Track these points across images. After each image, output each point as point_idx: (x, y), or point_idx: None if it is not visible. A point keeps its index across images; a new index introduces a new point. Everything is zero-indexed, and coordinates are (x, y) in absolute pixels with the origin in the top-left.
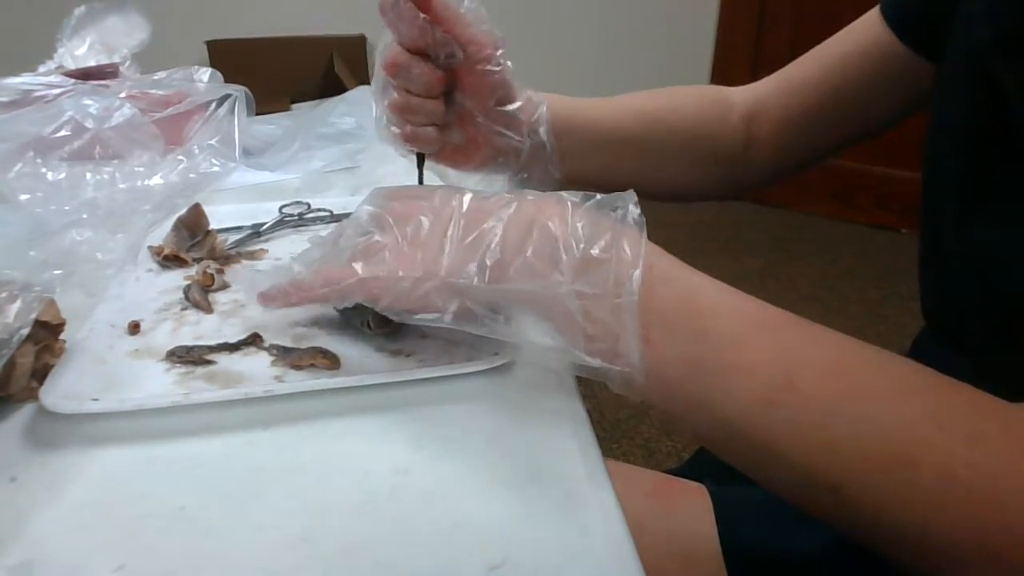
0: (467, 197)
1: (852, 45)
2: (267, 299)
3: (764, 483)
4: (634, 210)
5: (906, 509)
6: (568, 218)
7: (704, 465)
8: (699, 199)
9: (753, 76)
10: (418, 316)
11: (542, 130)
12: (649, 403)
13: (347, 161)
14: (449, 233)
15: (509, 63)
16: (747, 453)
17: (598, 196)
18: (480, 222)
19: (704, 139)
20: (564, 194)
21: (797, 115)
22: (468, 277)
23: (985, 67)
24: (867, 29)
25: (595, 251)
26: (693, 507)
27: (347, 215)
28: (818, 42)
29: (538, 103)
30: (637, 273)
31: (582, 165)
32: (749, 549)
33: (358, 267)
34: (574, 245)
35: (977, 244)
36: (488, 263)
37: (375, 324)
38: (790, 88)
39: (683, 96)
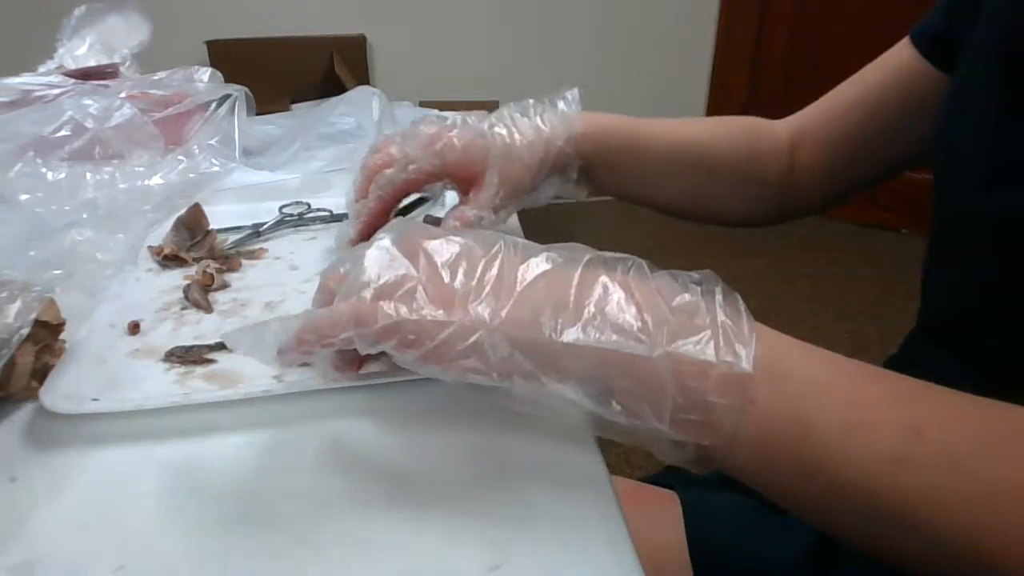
0: (519, 244)
1: (885, 68)
2: (287, 354)
3: (891, 555)
4: (717, 283)
5: None
6: (646, 280)
7: (675, 473)
8: (747, 224)
9: (753, 76)
10: (457, 370)
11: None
12: (733, 474)
13: (347, 161)
14: (503, 278)
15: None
16: (871, 523)
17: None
18: (540, 271)
19: (751, 164)
20: (630, 261)
21: (839, 137)
22: (535, 329)
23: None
24: (899, 53)
25: (689, 315)
26: (663, 514)
27: (347, 215)
28: (817, 43)
29: (557, 134)
30: (752, 339)
31: (628, 183)
32: (718, 557)
33: (388, 306)
34: (663, 306)
35: (1002, 230)
36: (562, 317)
37: None
38: (831, 112)
39: (730, 123)
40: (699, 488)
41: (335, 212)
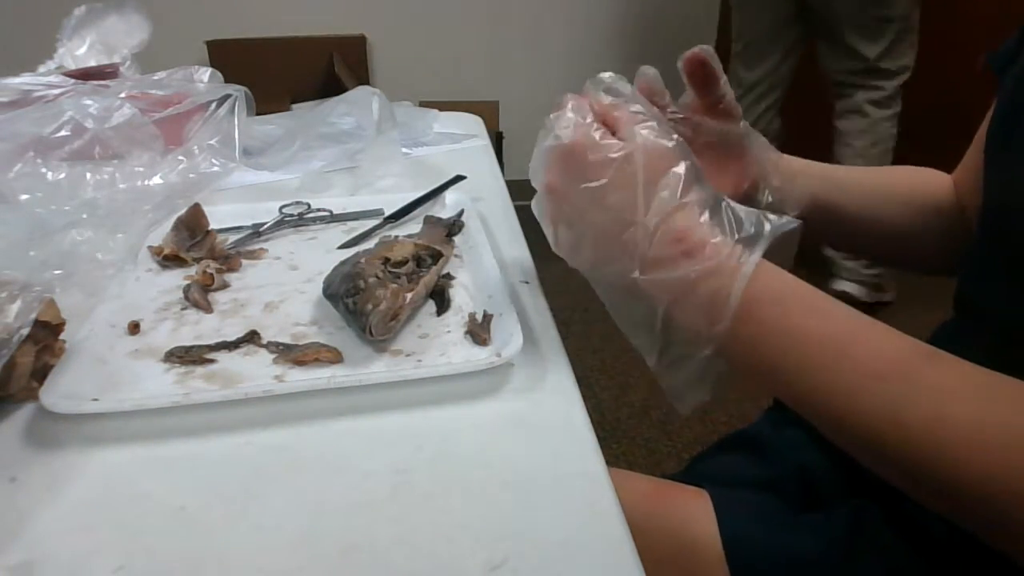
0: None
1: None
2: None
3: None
4: (772, 223)
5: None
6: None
7: (702, 471)
8: (940, 265)
9: None
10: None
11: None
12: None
13: (347, 161)
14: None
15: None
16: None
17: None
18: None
19: (937, 203)
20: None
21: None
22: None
23: None
24: None
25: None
26: (693, 510)
27: (347, 215)
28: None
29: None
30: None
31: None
32: (752, 551)
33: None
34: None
35: None
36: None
37: (376, 331)
38: (973, 150)
39: (911, 168)
40: (727, 486)
41: (335, 212)
